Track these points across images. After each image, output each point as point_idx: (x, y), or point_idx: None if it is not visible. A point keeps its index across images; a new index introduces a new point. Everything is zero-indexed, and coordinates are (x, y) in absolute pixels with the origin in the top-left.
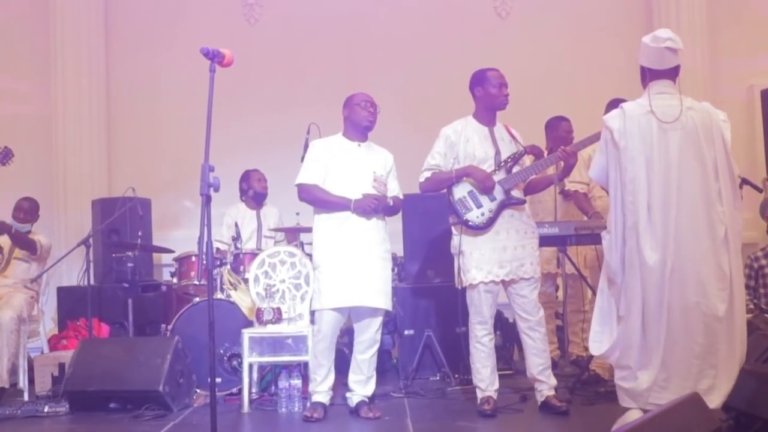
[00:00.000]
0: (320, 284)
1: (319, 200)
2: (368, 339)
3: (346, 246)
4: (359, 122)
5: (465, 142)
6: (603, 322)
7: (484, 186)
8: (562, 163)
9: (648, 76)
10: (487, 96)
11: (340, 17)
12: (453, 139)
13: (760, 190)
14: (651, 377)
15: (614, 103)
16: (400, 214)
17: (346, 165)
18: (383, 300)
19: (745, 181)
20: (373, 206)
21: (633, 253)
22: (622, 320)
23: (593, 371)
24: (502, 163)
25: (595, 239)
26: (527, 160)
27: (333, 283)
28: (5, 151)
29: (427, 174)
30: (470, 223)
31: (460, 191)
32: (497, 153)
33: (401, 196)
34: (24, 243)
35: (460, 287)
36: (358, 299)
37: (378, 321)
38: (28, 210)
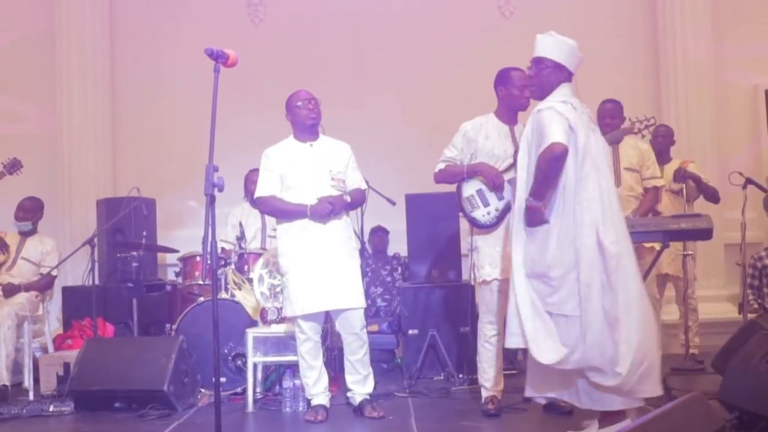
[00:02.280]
0: (289, 291)
1: (277, 210)
2: (355, 339)
3: (311, 250)
4: (302, 122)
5: (484, 139)
6: (533, 318)
7: (494, 184)
8: None
9: (564, 76)
10: (509, 96)
11: (344, 17)
12: (471, 135)
13: (764, 190)
14: (631, 367)
15: (606, 101)
16: (403, 214)
17: (301, 168)
18: (354, 299)
19: (749, 181)
20: (329, 210)
21: (590, 250)
22: (575, 319)
23: None
24: (513, 163)
25: None
26: None
27: (302, 289)
28: (14, 161)
29: (442, 165)
30: (476, 222)
31: (469, 189)
32: (516, 152)
33: (363, 187)
34: (44, 286)
35: (473, 283)
36: (329, 303)
37: (358, 319)
38: (28, 209)
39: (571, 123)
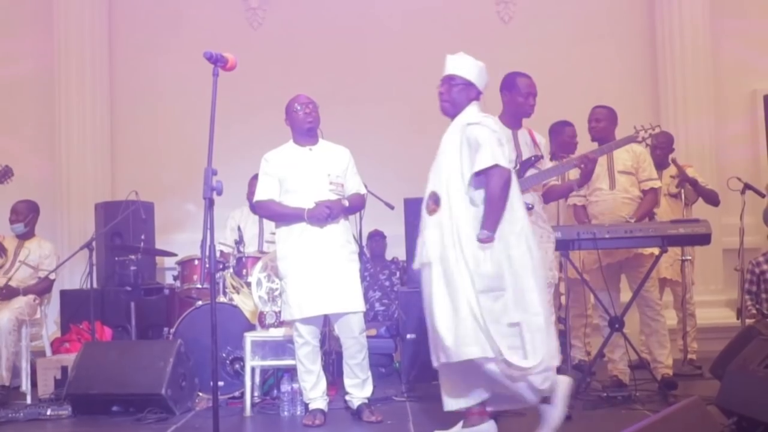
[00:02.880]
0: (288, 295)
1: (275, 214)
2: (354, 343)
3: (309, 254)
4: (300, 126)
5: None
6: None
7: None
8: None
9: (474, 95)
10: (514, 102)
11: (343, 21)
12: None
13: (763, 196)
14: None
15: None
16: (402, 218)
17: (300, 172)
18: (353, 303)
19: (748, 186)
20: (326, 214)
21: (525, 257)
22: (524, 324)
23: (615, 376)
24: (514, 168)
25: (597, 243)
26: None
27: (300, 293)
28: (5, 169)
29: None
30: None
31: None
32: (518, 156)
33: (362, 191)
34: (42, 290)
35: None
36: (328, 307)
37: (357, 323)
38: (20, 211)
39: (501, 137)
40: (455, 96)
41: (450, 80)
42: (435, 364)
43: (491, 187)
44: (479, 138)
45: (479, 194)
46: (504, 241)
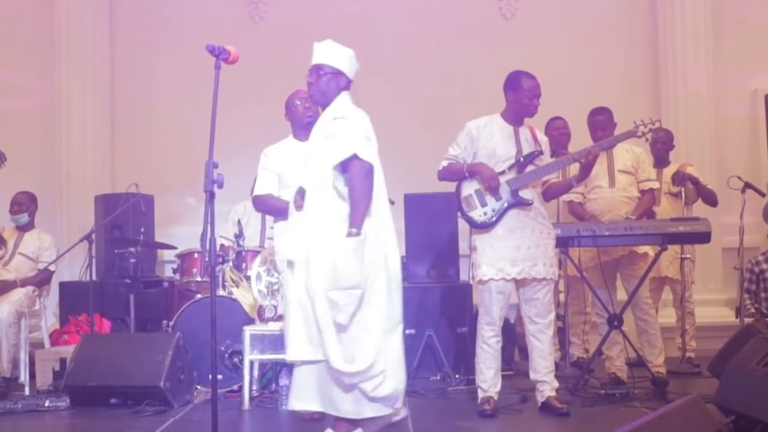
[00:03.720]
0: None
1: (274, 209)
2: None
3: None
4: (299, 120)
5: (487, 139)
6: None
7: (488, 186)
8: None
9: (344, 84)
10: (517, 103)
11: (344, 15)
12: (474, 134)
13: (763, 195)
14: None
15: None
16: (402, 214)
17: (298, 167)
18: None
19: (748, 185)
20: None
21: (379, 260)
22: (362, 326)
23: (613, 374)
24: (514, 164)
25: (596, 241)
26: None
27: None
28: None
29: (445, 163)
30: (473, 221)
31: (468, 188)
32: (518, 153)
33: None
34: (41, 281)
35: (472, 282)
36: None
37: None
38: (23, 202)
39: (369, 133)
40: (324, 86)
41: (318, 69)
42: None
43: (352, 179)
44: (343, 131)
45: (347, 189)
46: (365, 239)
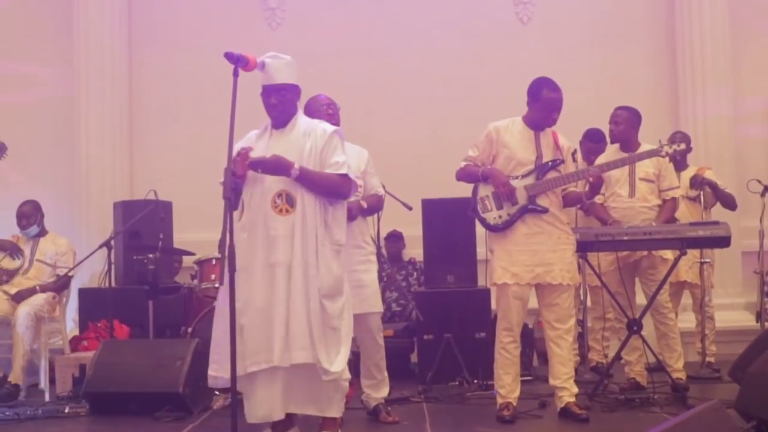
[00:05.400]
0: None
1: None
2: (371, 344)
3: None
4: None
5: (507, 142)
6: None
7: (500, 192)
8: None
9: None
10: (535, 113)
11: (361, 21)
12: (494, 137)
13: None
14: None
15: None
16: (420, 219)
17: None
18: (371, 303)
19: (767, 189)
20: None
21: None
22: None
23: (632, 379)
24: (533, 169)
25: (615, 245)
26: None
27: None
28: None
29: (463, 164)
30: (486, 223)
31: (485, 190)
32: (539, 158)
33: (381, 192)
34: (60, 287)
35: (489, 285)
36: None
37: (374, 323)
38: (30, 214)
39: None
40: (289, 104)
41: (280, 90)
42: (249, 370)
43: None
44: (339, 148)
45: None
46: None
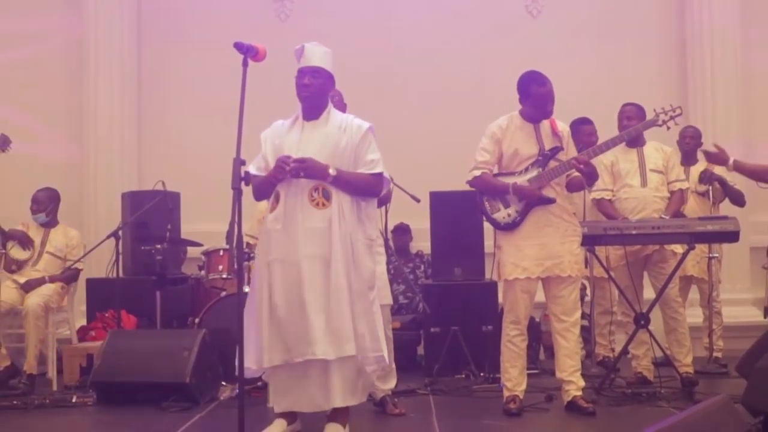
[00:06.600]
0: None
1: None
2: None
3: None
4: None
5: (510, 139)
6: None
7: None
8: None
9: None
10: (529, 108)
11: (370, 12)
12: (498, 136)
13: None
14: None
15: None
16: (427, 212)
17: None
18: (381, 295)
19: None
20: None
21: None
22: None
23: (639, 373)
24: (535, 161)
25: (623, 239)
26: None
27: None
28: (2, 138)
29: (477, 173)
30: (497, 223)
31: None
32: (541, 149)
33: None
34: (69, 278)
35: (497, 280)
36: None
37: (384, 316)
38: (42, 200)
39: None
40: (325, 89)
41: (316, 72)
42: (274, 363)
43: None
44: (373, 144)
45: None
46: None
